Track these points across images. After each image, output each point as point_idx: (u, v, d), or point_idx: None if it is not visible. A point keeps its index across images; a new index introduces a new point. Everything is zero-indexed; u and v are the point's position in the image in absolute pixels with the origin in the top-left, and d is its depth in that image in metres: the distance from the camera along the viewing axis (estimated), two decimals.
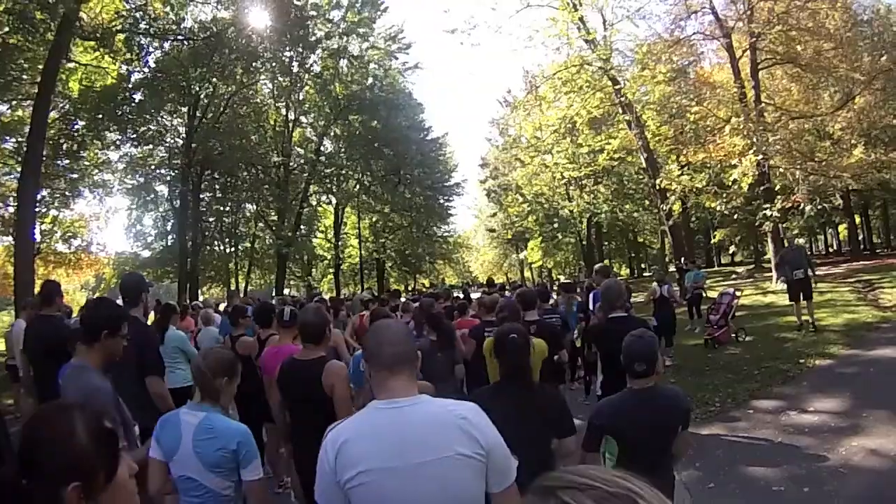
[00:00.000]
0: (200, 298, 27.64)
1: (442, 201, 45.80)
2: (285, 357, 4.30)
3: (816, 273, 12.76)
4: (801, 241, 39.60)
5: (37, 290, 16.50)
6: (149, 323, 5.93)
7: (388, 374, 2.08)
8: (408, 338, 2.25)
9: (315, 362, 3.95)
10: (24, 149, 19.19)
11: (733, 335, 12.32)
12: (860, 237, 39.71)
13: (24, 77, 20.97)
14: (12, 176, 22.58)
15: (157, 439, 2.91)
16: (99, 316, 3.39)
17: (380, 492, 1.94)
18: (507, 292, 13.46)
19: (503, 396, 3.21)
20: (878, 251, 37.77)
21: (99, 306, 3.77)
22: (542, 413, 3.26)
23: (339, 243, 40.80)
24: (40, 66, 19.32)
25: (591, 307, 9.04)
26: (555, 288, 16.66)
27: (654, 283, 12.22)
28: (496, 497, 2.05)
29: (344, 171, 38.21)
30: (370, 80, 36.01)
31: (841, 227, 43.08)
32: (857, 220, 39.28)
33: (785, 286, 13.47)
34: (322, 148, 37.28)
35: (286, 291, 34.19)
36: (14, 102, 22.62)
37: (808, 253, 17.97)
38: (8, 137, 22.63)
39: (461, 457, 1.94)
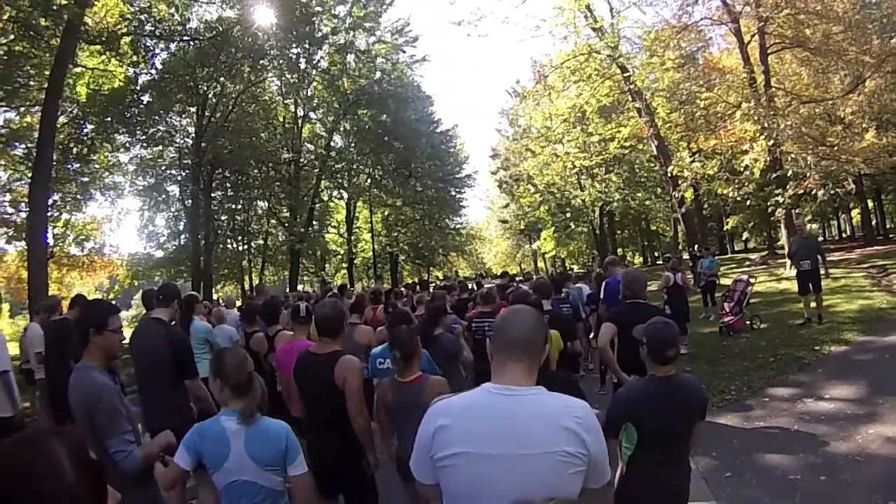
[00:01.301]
0: (215, 296, 27.82)
1: (453, 193, 45.85)
2: (300, 351, 4.32)
3: (828, 262, 12.51)
4: (815, 226, 39.45)
5: (50, 293, 16.65)
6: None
7: (508, 359, 2.05)
8: (536, 324, 2.16)
9: (330, 356, 3.95)
10: (34, 154, 19.28)
11: (748, 322, 12.25)
12: (873, 222, 39.26)
13: (32, 83, 21.06)
14: (23, 182, 22.72)
15: (198, 451, 2.89)
16: (84, 316, 3.46)
17: (471, 476, 1.93)
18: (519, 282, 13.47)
19: None
20: (891, 236, 37.36)
21: (85, 307, 3.83)
22: None
23: (352, 238, 40.93)
24: (47, 72, 19.36)
25: (601, 297, 9.05)
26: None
27: (668, 272, 12.16)
28: (586, 493, 2.01)
29: (354, 166, 38.29)
30: (378, 74, 35.91)
31: (854, 213, 42.57)
32: (871, 204, 38.82)
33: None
34: (332, 143, 37.27)
35: (300, 287, 34.27)
36: (22, 109, 22.76)
37: (822, 241, 17.71)
38: (18, 144, 22.78)
39: (565, 454, 1.90)
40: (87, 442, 2.33)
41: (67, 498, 1.26)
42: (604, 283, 8.74)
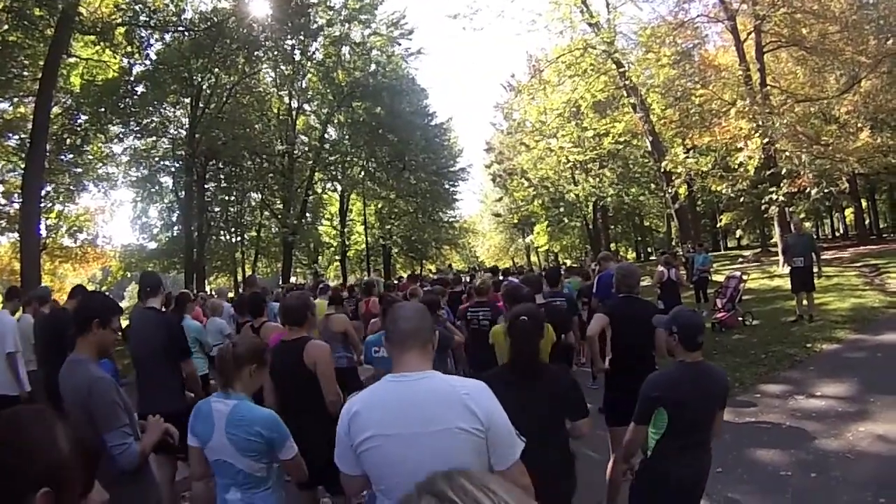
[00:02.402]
0: (208, 288, 27.80)
1: (447, 186, 45.74)
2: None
3: (822, 260, 12.52)
4: (808, 225, 39.52)
5: (43, 284, 16.63)
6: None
7: (400, 350, 2.28)
8: (420, 316, 2.37)
9: (296, 342, 4.18)
10: (28, 145, 19.20)
11: (740, 319, 12.29)
12: (867, 221, 39.35)
13: (26, 74, 20.98)
14: (16, 172, 22.65)
15: (192, 428, 3.08)
16: (90, 306, 3.41)
17: (384, 456, 2.14)
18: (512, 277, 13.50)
19: (511, 378, 3.22)
20: (884, 235, 37.49)
21: (91, 297, 3.84)
22: (551, 394, 3.28)
23: (345, 230, 40.87)
24: (41, 63, 19.29)
25: (594, 291, 9.14)
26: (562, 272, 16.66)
27: (662, 268, 12.14)
28: (500, 475, 2.08)
29: (348, 158, 38.11)
30: (373, 66, 35.79)
31: (847, 212, 42.63)
32: (864, 204, 38.96)
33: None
34: (326, 135, 37.19)
35: (293, 279, 34.25)
36: (16, 99, 22.67)
37: (816, 239, 17.72)
38: (11, 134, 22.73)
39: (459, 430, 2.08)
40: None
41: (59, 469, 1.29)
42: (597, 277, 8.79)
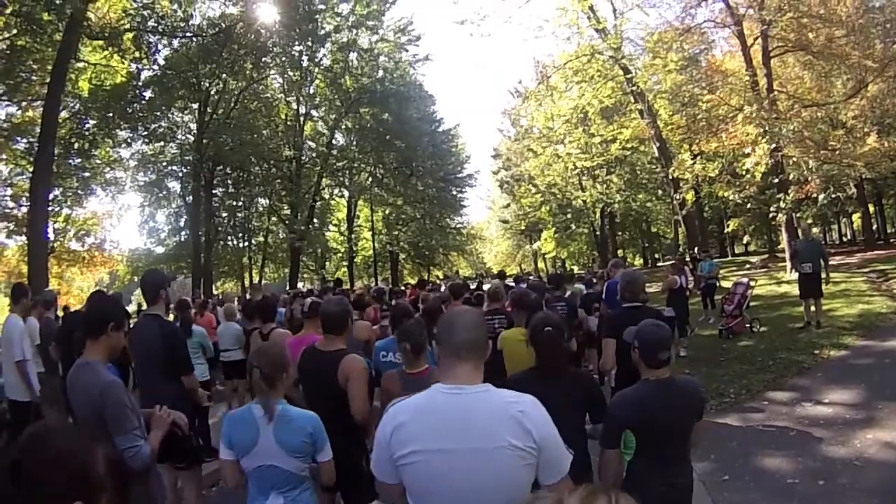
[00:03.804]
0: (215, 293, 27.84)
1: (455, 193, 45.83)
2: (306, 346, 4.36)
3: (830, 266, 12.45)
4: (816, 230, 39.34)
5: (51, 288, 16.67)
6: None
7: (456, 361, 2.13)
8: (480, 326, 2.28)
9: (333, 354, 4.00)
10: (36, 149, 19.28)
11: (748, 325, 12.22)
12: (874, 226, 39.13)
13: (34, 78, 21.06)
14: (25, 176, 22.73)
15: (227, 439, 3.05)
16: (104, 309, 3.41)
17: (430, 472, 2.02)
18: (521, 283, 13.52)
19: (536, 385, 3.08)
20: (892, 241, 37.19)
21: (104, 300, 3.81)
22: (575, 397, 3.29)
23: (353, 236, 40.90)
24: (49, 67, 19.37)
25: (603, 297, 9.11)
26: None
27: (674, 275, 12.04)
28: (545, 488, 2.08)
29: (356, 164, 38.22)
30: (380, 72, 35.94)
31: (855, 217, 42.43)
32: (871, 209, 38.66)
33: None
34: (334, 141, 37.31)
35: (300, 285, 34.28)
36: (24, 104, 22.75)
37: (824, 244, 17.61)
38: (20, 138, 22.82)
39: (513, 448, 1.98)
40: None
41: (90, 486, 1.31)
42: (606, 284, 8.79)
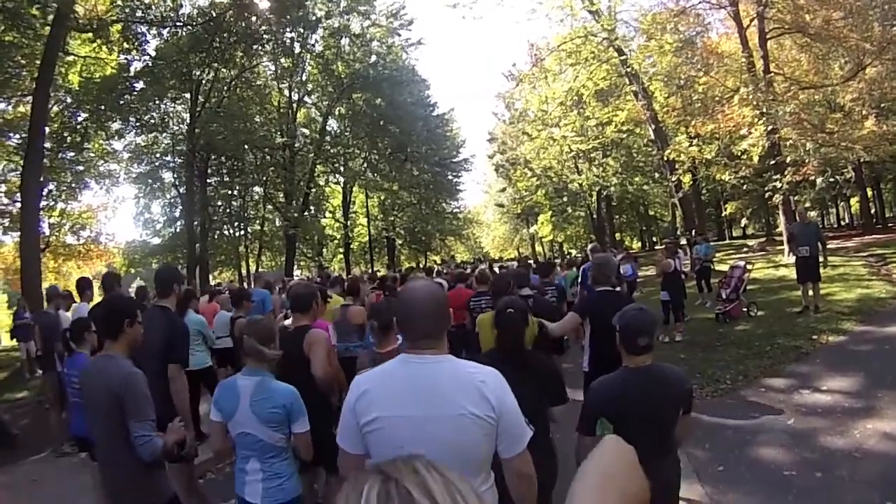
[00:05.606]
0: (212, 282, 27.84)
1: (450, 177, 45.69)
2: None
3: (827, 249, 12.36)
4: (813, 214, 39.28)
5: (50, 283, 16.65)
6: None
7: (418, 335, 2.21)
8: (438, 305, 2.28)
9: (299, 330, 4.45)
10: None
11: (745, 309, 12.18)
12: (872, 210, 39.01)
13: (24, 73, 20.87)
14: (18, 172, 22.59)
15: (217, 404, 3.38)
16: (119, 309, 3.59)
17: (392, 437, 2.08)
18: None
19: (495, 365, 3.11)
20: (890, 225, 37.21)
21: (113, 302, 4.08)
22: (536, 380, 3.27)
23: (348, 222, 40.84)
24: (38, 62, 19.19)
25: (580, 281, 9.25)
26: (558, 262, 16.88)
27: (669, 259, 11.95)
28: (506, 462, 2.20)
29: (350, 150, 38.10)
30: (373, 57, 35.69)
31: (853, 201, 42.27)
32: (870, 193, 38.54)
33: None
34: (327, 127, 37.15)
35: (297, 272, 34.26)
36: (15, 99, 22.58)
37: (821, 228, 17.51)
38: (11, 134, 22.61)
39: (472, 416, 2.06)
40: (115, 430, 3.16)
41: None
42: (582, 269, 8.88)
